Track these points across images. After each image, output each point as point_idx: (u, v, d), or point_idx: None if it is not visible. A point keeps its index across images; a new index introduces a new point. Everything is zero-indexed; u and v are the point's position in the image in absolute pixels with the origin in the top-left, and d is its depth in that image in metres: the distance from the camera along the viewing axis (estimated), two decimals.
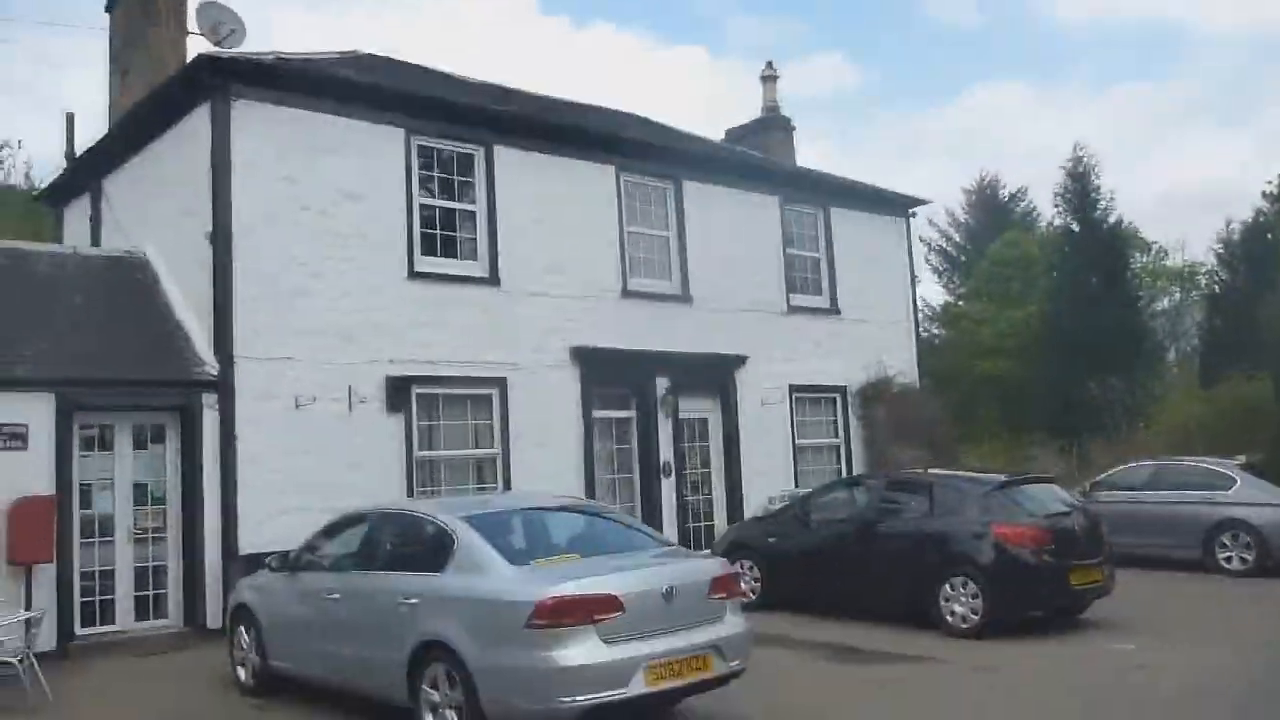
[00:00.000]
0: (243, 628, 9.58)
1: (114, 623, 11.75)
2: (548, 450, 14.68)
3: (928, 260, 44.34)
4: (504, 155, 14.92)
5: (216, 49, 13.99)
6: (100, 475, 11.90)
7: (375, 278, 13.50)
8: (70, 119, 17.29)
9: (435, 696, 7.31)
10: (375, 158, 13.71)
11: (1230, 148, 69.06)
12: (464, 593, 7.36)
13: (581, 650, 6.80)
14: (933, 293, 50.02)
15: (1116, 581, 11.60)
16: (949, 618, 11.09)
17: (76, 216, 16.76)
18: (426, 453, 13.77)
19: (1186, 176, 63.76)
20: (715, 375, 17.02)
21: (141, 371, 12.25)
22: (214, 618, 11.63)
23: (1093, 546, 11.49)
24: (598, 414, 15.52)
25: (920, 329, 31.91)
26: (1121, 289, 31.92)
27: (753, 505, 16.50)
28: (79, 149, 16.66)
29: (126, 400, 12.00)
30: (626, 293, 16.04)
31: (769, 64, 22.89)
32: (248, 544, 11.90)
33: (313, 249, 13.03)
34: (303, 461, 12.47)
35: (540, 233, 15.10)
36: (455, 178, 14.64)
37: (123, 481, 12.02)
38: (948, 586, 11.13)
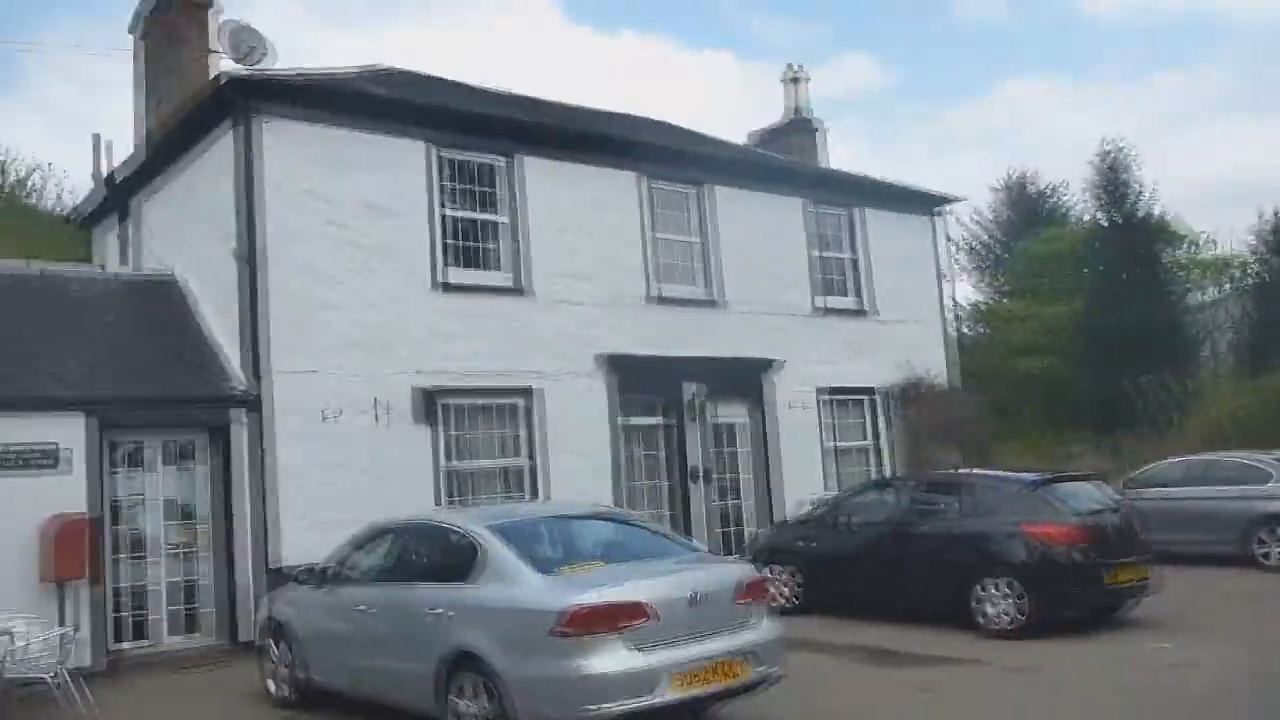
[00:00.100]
0: (274, 641, 9.62)
1: (151, 639, 11.88)
2: (578, 459, 14.66)
3: (955, 260, 43.96)
4: (529, 165, 14.95)
5: (242, 69, 14.12)
6: (135, 493, 12.04)
7: (402, 290, 13.56)
8: (98, 141, 17.50)
9: (465, 706, 7.30)
10: (401, 171, 13.79)
11: (1265, 137, 68.05)
12: (491, 602, 7.36)
13: (609, 658, 6.77)
14: (968, 291, 49.62)
15: (1153, 579, 11.40)
16: (986, 619, 10.97)
17: (108, 238, 16.99)
18: (456, 463, 13.81)
19: (1221, 167, 62.88)
20: (746, 379, 16.94)
21: (173, 389, 12.37)
22: (249, 632, 11.65)
23: (1132, 545, 11.32)
24: (628, 421, 15.49)
25: (955, 328, 31.69)
26: (1156, 284, 31.49)
27: (787, 509, 16.38)
28: (109, 171, 16.84)
29: (159, 418, 12.13)
30: (654, 299, 16.01)
31: (794, 65, 22.78)
32: (282, 558, 11.97)
33: (340, 263, 13.11)
34: (334, 475, 12.54)
35: (566, 241, 15.11)
36: (480, 188, 14.69)
37: (157, 499, 12.16)
38: (983, 587, 11.02)
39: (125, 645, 11.66)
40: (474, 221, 14.58)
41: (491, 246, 14.68)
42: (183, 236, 14.43)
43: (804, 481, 16.94)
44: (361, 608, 8.51)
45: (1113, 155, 32.81)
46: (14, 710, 9.23)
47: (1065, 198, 43.04)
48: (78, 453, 11.39)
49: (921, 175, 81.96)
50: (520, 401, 14.45)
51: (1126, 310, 29.36)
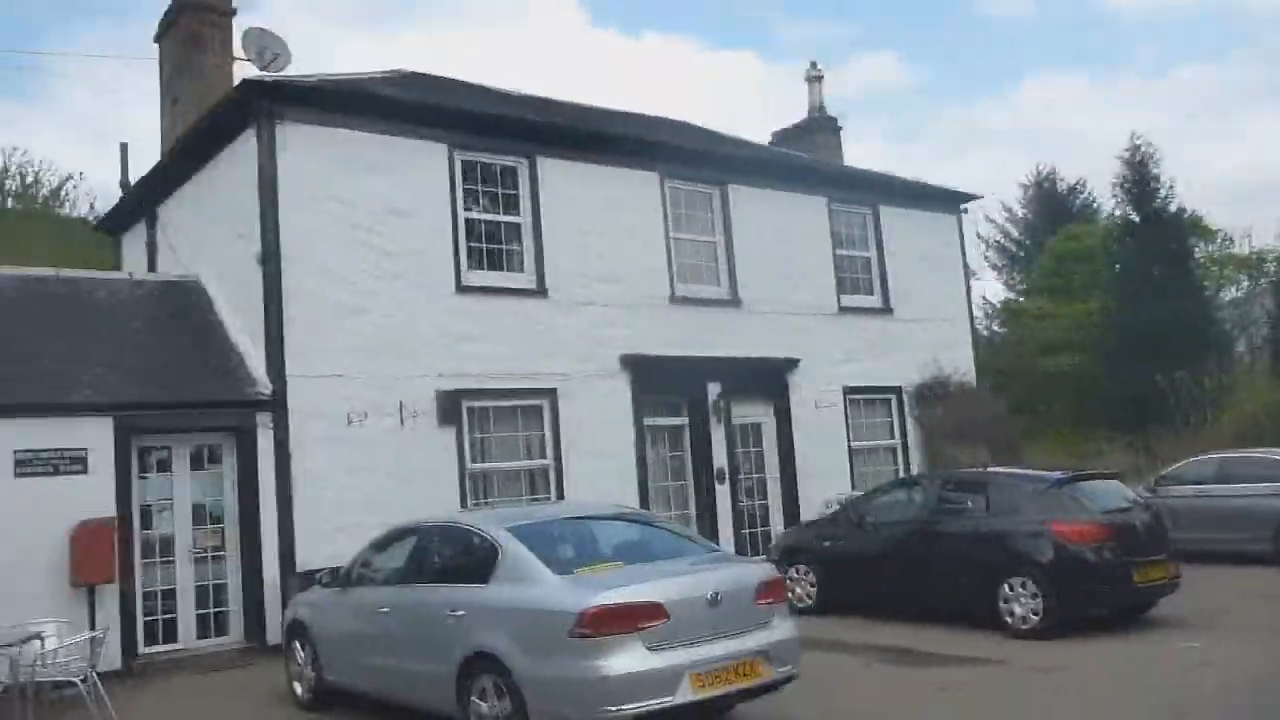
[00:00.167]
0: (298, 643, 9.70)
1: (177, 641, 11.96)
2: (600, 459, 14.67)
3: (986, 257, 43.71)
4: (548, 166, 14.98)
5: (262, 73, 14.22)
6: (160, 496, 12.13)
7: (423, 292, 13.61)
8: (125, 150, 17.73)
9: (484, 708, 7.30)
10: (420, 174, 13.84)
11: None
12: (509, 603, 7.37)
13: (626, 658, 6.76)
14: (993, 289, 49.31)
15: (1183, 577, 11.29)
16: (1009, 618, 10.88)
17: (134, 243, 17.16)
18: (479, 465, 13.84)
19: (1250, 161, 62.14)
20: (768, 379, 16.90)
21: (197, 394, 12.46)
22: (275, 634, 11.72)
23: (1156, 543, 11.21)
24: (650, 421, 15.48)
25: (980, 326, 31.46)
26: (1186, 279, 31.16)
27: (810, 509, 16.32)
28: (134, 179, 17.03)
29: (183, 422, 12.21)
30: (675, 299, 16.00)
31: (813, 64, 22.79)
32: (306, 561, 12.03)
33: (361, 266, 13.18)
34: (357, 477, 12.61)
35: (586, 242, 15.12)
36: (500, 190, 14.72)
37: (182, 502, 12.24)
38: (1007, 587, 10.93)
39: (153, 648, 11.74)
40: (494, 223, 14.62)
41: (512, 248, 14.71)
42: (205, 241, 14.54)
43: (828, 481, 16.88)
44: (382, 609, 8.56)
45: (1139, 151, 32.50)
46: (45, 713, 9.33)
47: (1092, 194, 42.77)
48: (104, 457, 11.50)
49: (948, 173, 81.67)
50: (542, 403, 14.48)
51: (1155, 306, 29.06)
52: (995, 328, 39.54)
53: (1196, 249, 34.09)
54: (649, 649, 6.83)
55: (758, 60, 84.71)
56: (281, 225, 12.69)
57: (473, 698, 7.39)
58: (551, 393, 14.49)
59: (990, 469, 13.15)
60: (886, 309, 18.92)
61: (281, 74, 14.24)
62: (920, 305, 19.29)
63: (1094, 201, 42.59)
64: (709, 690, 6.97)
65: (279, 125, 12.83)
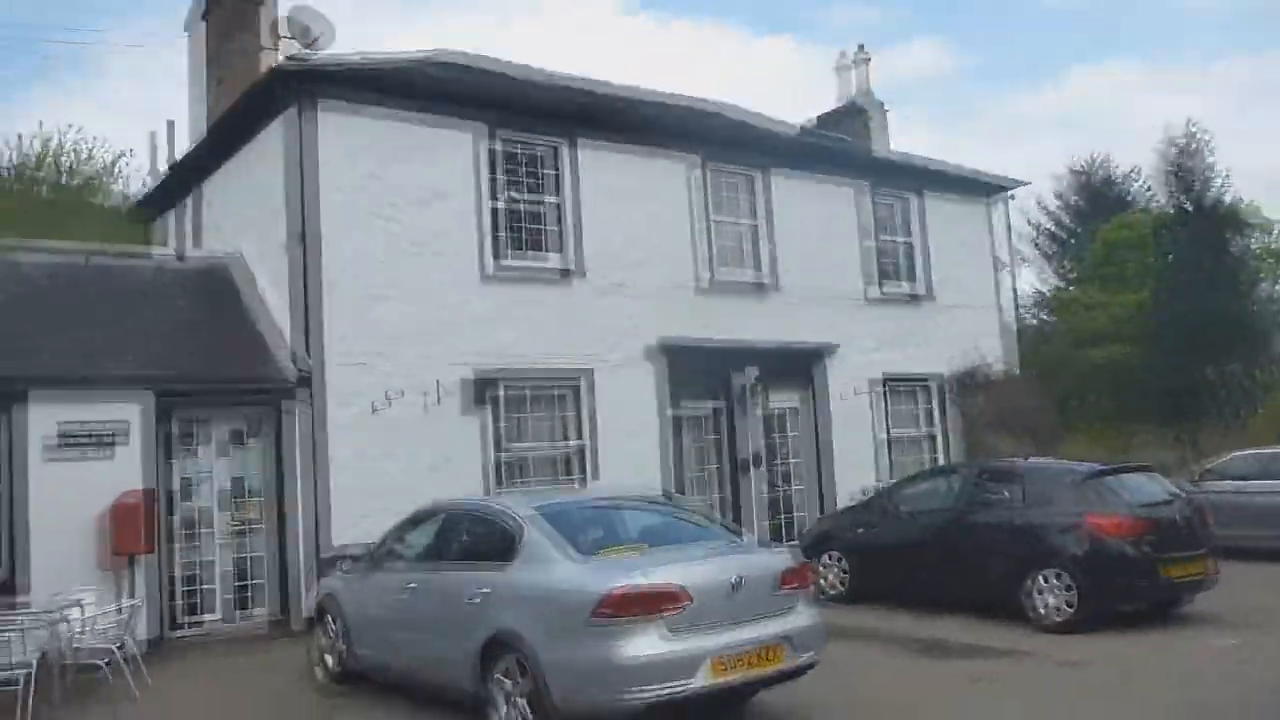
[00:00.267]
0: (328, 618, 9.81)
1: (209, 616, 12.13)
2: (631, 445, 14.65)
3: (1036, 244, 43.12)
4: (584, 149, 14.95)
5: (303, 54, 14.28)
6: (195, 473, 12.29)
7: (456, 276, 13.64)
8: (170, 128, 17.85)
9: (506, 688, 7.33)
10: (456, 156, 13.85)
11: None
12: (531, 585, 7.39)
13: (646, 642, 6.75)
14: (1040, 278, 48.58)
15: (1221, 574, 11.10)
16: (1040, 611, 10.75)
17: (177, 222, 17.32)
18: (509, 449, 13.87)
19: None
20: (802, 366, 16.80)
21: (233, 372, 12.60)
22: (305, 611, 11.85)
23: (1194, 538, 11.00)
24: (680, 407, 15.44)
25: (1024, 315, 31.06)
26: (1236, 271, 30.61)
27: (843, 497, 16.22)
28: (174, 159, 17.19)
29: (217, 400, 12.38)
30: (710, 284, 15.94)
31: (860, 47, 22.48)
32: (337, 539, 12.12)
33: (394, 248, 13.23)
34: (388, 459, 12.68)
35: (621, 226, 15.08)
36: (536, 173, 14.71)
37: (216, 479, 12.40)
38: (1039, 579, 10.79)
39: (184, 622, 11.93)
40: (529, 207, 14.61)
41: (545, 232, 14.69)
42: (242, 222, 14.66)
43: (860, 470, 16.78)
44: (408, 589, 8.61)
45: (1185, 140, 31.93)
46: (79, 681, 9.50)
47: (1137, 184, 42.07)
48: (140, 433, 11.66)
49: (993, 161, 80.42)
50: (574, 387, 14.48)
51: (1199, 298, 28.57)
52: (1039, 318, 39.06)
53: (1235, 242, 33.36)
54: (669, 633, 6.81)
55: (796, 45, 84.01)
56: (314, 207, 12.75)
57: (495, 677, 7.42)
58: (583, 376, 14.49)
59: (1020, 460, 13.00)
60: (925, 296, 18.74)
61: (318, 56, 14.28)
62: (960, 293, 19.08)
63: (1148, 190, 41.88)
64: (729, 676, 6.95)
65: (314, 107, 12.89)
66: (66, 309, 12.63)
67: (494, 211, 14.11)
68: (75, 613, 9.26)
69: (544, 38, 77.72)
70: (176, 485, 12.11)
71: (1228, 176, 32.18)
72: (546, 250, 14.64)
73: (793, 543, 14.30)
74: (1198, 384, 27.25)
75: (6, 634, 8.62)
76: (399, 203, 13.33)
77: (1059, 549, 10.72)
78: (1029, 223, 42.51)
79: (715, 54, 78.93)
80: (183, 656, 11.17)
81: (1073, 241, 42.18)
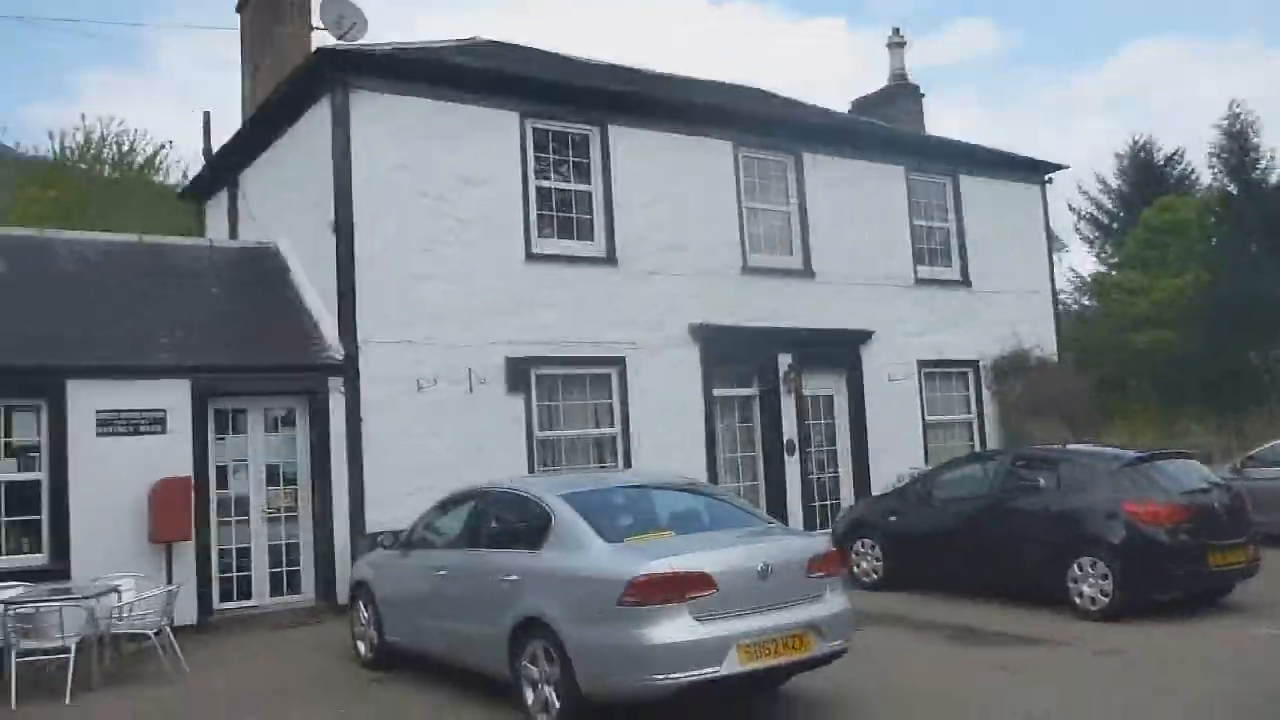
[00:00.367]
0: (362, 603, 9.90)
1: (251, 598, 12.29)
2: (668, 429, 14.65)
3: (1078, 229, 42.53)
4: (620, 134, 14.92)
5: (339, 42, 14.37)
6: (235, 457, 12.44)
7: (494, 260, 13.69)
8: (208, 117, 18.11)
9: (535, 672, 7.38)
10: (492, 142, 13.89)
11: None
12: (560, 570, 7.41)
13: (674, 628, 6.74)
14: (1084, 262, 47.92)
15: (1263, 562, 10.92)
16: (1077, 599, 10.63)
17: (217, 211, 17.55)
18: (547, 433, 13.93)
19: None
20: (840, 351, 16.70)
21: (272, 358, 12.73)
22: (344, 593, 11.94)
23: (1234, 525, 10.82)
24: (719, 392, 15.41)
25: (1067, 300, 30.62)
26: None
27: (881, 483, 16.10)
28: (215, 147, 17.40)
29: (259, 385, 12.49)
30: (747, 269, 15.86)
31: (896, 30, 22.33)
32: (375, 522, 12.22)
33: (432, 234, 13.30)
34: (426, 442, 12.78)
35: (658, 210, 15.06)
36: (572, 158, 14.72)
37: (256, 463, 12.54)
38: (1076, 567, 10.66)
39: (227, 604, 12.10)
40: (566, 192, 14.63)
41: (582, 217, 14.70)
42: (282, 207, 14.81)
43: (900, 455, 16.62)
44: (440, 572, 8.67)
45: (1238, 120, 31.30)
46: (119, 662, 9.68)
47: (1190, 165, 41.30)
48: (182, 418, 11.82)
49: (1043, 143, 79.49)
50: (611, 371, 14.50)
51: (1244, 282, 28.02)
52: (1085, 301, 38.55)
53: None
54: (697, 619, 6.80)
55: (845, 27, 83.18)
56: (354, 193, 12.86)
57: (524, 662, 7.47)
58: (620, 361, 14.50)
59: (1060, 446, 12.85)
60: (965, 281, 18.54)
61: (355, 43, 14.37)
62: (1000, 277, 18.86)
63: (1192, 172, 41.15)
64: (757, 662, 6.92)
65: (352, 94, 12.97)
66: (110, 295, 12.83)
67: (532, 196, 14.14)
68: (112, 599, 9.43)
69: (594, 22, 77.62)
70: (218, 469, 12.21)
71: (1272, 158, 31.55)
72: (586, 234, 14.64)
73: (828, 529, 14.25)
74: (1241, 369, 26.75)
75: (49, 616, 8.81)
76: (441, 185, 13.41)
77: (1095, 537, 10.58)
78: (1069, 208, 41.96)
79: (768, 36, 78.44)
80: (225, 636, 11.35)
81: (1115, 225, 41.56)
